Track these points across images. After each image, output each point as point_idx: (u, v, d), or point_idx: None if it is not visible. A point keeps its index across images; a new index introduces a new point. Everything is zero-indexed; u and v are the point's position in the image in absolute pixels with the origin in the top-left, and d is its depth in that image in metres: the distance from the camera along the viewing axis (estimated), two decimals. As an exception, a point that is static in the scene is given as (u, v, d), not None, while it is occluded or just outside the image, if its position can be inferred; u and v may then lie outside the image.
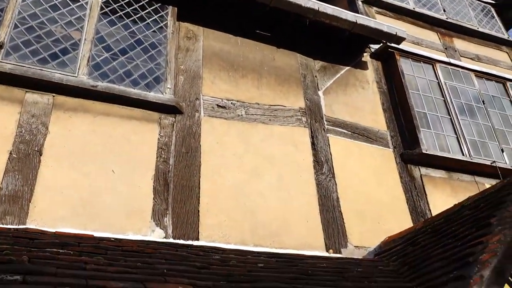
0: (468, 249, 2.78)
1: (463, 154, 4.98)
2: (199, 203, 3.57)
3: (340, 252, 3.85)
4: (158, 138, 3.73)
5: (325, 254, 3.75)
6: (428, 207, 4.50)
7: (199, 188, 3.64)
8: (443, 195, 4.60)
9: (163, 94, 3.95)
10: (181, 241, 3.30)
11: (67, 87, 3.55)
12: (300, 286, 2.52)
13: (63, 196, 3.14)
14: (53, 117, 3.43)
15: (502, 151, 5.28)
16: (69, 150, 3.35)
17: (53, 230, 2.89)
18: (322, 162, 4.33)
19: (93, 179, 3.30)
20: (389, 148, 4.80)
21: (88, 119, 3.55)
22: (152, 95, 3.87)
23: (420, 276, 2.93)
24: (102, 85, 3.69)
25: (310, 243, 3.78)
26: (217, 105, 4.16)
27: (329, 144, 4.48)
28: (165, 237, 3.31)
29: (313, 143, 4.40)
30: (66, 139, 3.39)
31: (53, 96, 3.52)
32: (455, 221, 3.37)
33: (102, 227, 3.12)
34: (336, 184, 4.25)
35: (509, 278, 2.98)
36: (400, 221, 4.24)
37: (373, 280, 2.94)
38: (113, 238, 2.95)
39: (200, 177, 3.70)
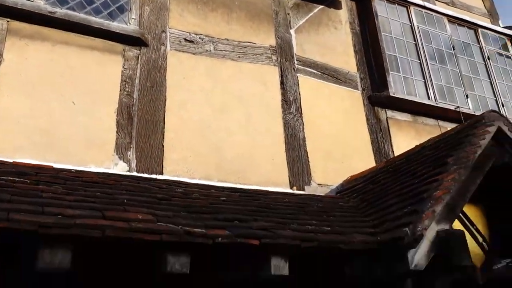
0: (423, 186, 2.88)
1: (429, 99, 5.05)
2: (163, 137, 3.53)
3: (303, 189, 3.93)
4: (122, 71, 3.61)
5: (289, 190, 3.83)
6: (392, 148, 4.61)
7: (164, 123, 3.59)
8: (407, 138, 4.70)
9: (127, 25, 3.77)
10: (145, 175, 3.29)
11: (23, 12, 3.33)
12: (260, 218, 2.57)
13: (20, 126, 3.04)
14: (8, 44, 3.24)
15: (467, 97, 5.38)
16: (26, 79, 3.20)
17: (11, 160, 2.81)
18: (290, 102, 4.31)
19: (52, 110, 3.19)
20: (358, 90, 4.80)
21: (46, 47, 3.37)
22: (115, 25, 3.68)
23: (377, 211, 3.04)
24: (61, 11, 3.48)
25: (274, 180, 3.84)
26: (185, 39, 4.01)
27: (298, 84, 4.44)
28: (128, 171, 3.29)
29: (282, 82, 4.35)
30: (22, 67, 3.23)
31: (8, 21, 3.30)
32: (415, 161, 3.46)
33: (62, 158, 3.05)
34: (303, 124, 4.26)
35: (460, 214, 3.14)
36: (363, 161, 4.33)
37: (332, 215, 3.03)
38: (73, 169, 2.91)
39: (165, 111, 3.63)
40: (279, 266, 2.33)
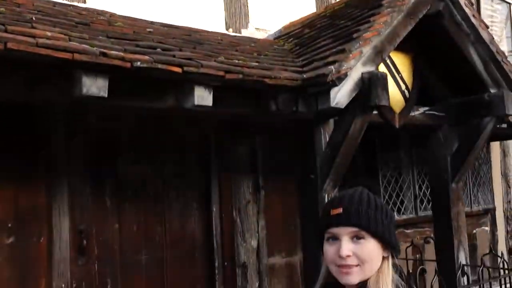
0: (355, 28, 2.85)
1: None
2: (85, -39, 3.16)
3: (240, 32, 3.81)
4: None
5: (225, 32, 3.69)
6: (335, -3, 4.46)
7: None
8: (352, -14, 4.53)
9: None
10: (64, 1, 2.99)
11: None
12: (186, 49, 2.48)
13: None
14: None
15: None
16: None
17: None
18: None
19: None
20: None
21: None
22: None
23: (308, 52, 3.03)
24: None
25: (209, 19, 3.65)
26: None
27: None
28: None
29: None
30: None
31: None
32: (353, 5, 3.38)
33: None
34: (244, -39, 3.95)
35: (388, 61, 3.21)
36: (305, 7, 4.19)
37: (264, 54, 3.00)
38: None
39: None
40: (203, 97, 2.32)
